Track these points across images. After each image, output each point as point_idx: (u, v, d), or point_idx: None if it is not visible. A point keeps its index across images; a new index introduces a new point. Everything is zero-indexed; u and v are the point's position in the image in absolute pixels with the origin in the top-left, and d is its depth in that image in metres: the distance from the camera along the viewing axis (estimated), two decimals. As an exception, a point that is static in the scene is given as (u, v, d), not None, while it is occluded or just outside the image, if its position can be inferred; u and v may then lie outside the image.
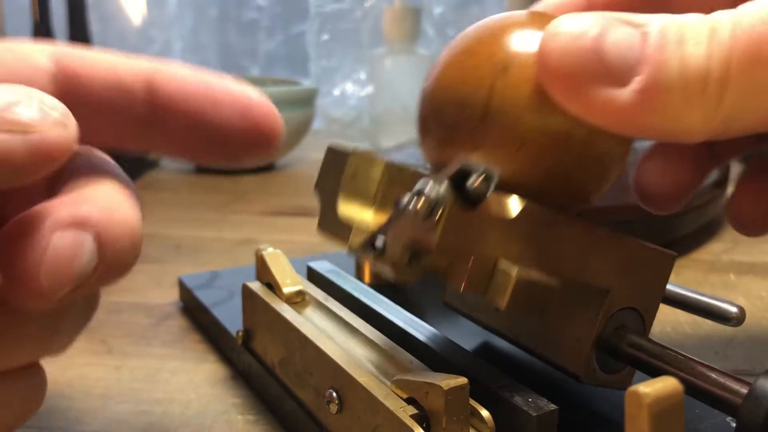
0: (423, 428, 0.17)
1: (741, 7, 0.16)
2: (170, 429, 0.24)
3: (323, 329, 0.23)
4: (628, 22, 0.17)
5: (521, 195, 0.19)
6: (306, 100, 0.64)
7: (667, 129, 0.16)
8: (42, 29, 0.69)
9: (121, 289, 0.36)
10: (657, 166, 0.24)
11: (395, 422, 0.18)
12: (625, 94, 0.16)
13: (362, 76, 0.84)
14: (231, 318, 0.29)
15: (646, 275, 0.21)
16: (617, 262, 0.20)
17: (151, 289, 0.37)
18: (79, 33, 0.73)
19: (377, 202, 0.20)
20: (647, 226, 0.39)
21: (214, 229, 0.48)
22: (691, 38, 0.16)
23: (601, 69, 0.16)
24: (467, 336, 0.27)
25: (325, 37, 0.82)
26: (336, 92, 0.84)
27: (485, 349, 0.26)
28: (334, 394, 0.20)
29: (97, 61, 0.20)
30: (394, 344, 0.21)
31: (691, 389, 0.19)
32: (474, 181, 0.17)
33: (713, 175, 0.44)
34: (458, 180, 0.17)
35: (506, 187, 0.19)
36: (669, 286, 0.24)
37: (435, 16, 0.81)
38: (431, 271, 0.18)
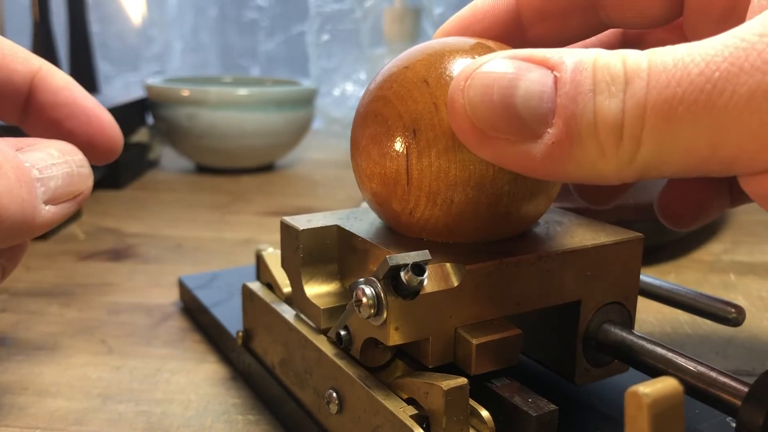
0: (423, 428, 0.17)
1: (658, 53, 0.15)
2: (170, 429, 0.24)
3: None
4: (543, 62, 0.16)
5: (467, 238, 0.20)
6: (306, 100, 0.64)
7: (580, 176, 0.16)
8: (42, 29, 0.69)
9: (121, 290, 0.36)
10: (679, 190, 0.25)
11: (395, 422, 0.18)
12: (539, 147, 0.16)
13: (362, 76, 0.84)
14: (231, 318, 0.29)
15: (616, 269, 0.21)
16: (581, 273, 0.21)
17: (151, 289, 0.37)
18: (79, 33, 0.73)
19: (339, 274, 0.22)
20: (647, 227, 0.39)
21: (214, 229, 0.48)
22: (605, 88, 0.15)
23: (512, 123, 0.16)
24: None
25: (325, 37, 0.82)
26: (336, 92, 0.84)
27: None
28: (334, 395, 0.20)
29: None
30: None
31: (692, 390, 0.19)
32: (404, 277, 0.17)
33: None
34: (392, 277, 0.18)
35: (452, 234, 0.20)
36: (668, 286, 0.24)
37: (435, 16, 0.81)
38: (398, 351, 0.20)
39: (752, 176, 0.15)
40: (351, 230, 0.21)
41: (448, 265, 0.19)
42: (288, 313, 0.23)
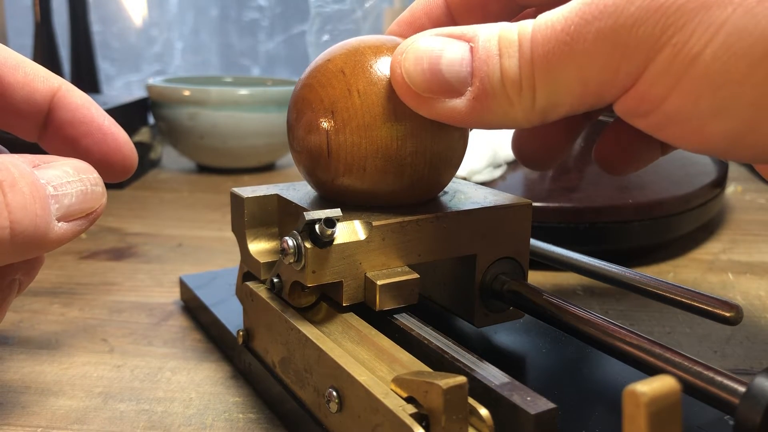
0: (422, 427, 0.17)
1: (540, 18, 0.19)
2: (171, 427, 0.24)
3: (323, 329, 0.23)
4: (461, 36, 0.20)
5: (381, 202, 0.24)
6: (306, 100, 0.64)
7: (499, 123, 0.20)
8: (43, 30, 0.69)
9: (123, 289, 0.37)
10: (612, 139, 0.28)
11: (395, 421, 0.18)
12: (462, 102, 0.20)
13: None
14: (231, 317, 0.29)
15: (509, 229, 0.25)
16: (476, 231, 0.24)
17: (152, 288, 0.37)
18: (80, 33, 0.73)
19: (279, 235, 0.26)
20: (646, 226, 0.39)
21: (215, 228, 0.48)
22: (505, 51, 0.19)
23: (440, 86, 0.20)
24: (466, 335, 0.27)
25: (325, 37, 0.82)
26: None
27: (485, 348, 0.26)
28: (334, 393, 0.20)
29: (18, 67, 0.24)
30: (393, 343, 0.21)
31: (689, 388, 0.19)
32: (319, 230, 0.21)
33: (712, 175, 0.44)
34: (309, 230, 0.21)
35: (368, 199, 0.24)
36: (668, 285, 0.24)
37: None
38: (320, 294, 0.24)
39: (618, 101, 0.19)
40: (288, 198, 0.25)
41: (358, 221, 0.22)
42: (288, 312, 0.24)
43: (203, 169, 0.66)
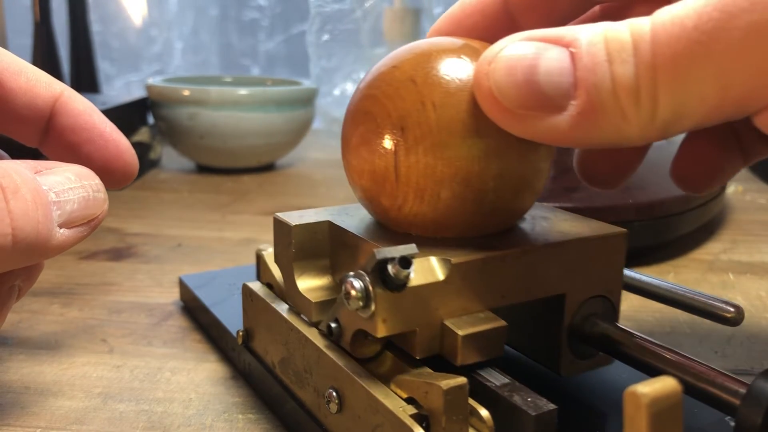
0: (423, 428, 0.17)
1: (658, 14, 0.16)
2: (171, 428, 0.24)
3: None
4: (558, 40, 0.17)
5: (454, 233, 0.21)
6: (306, 100, 0.64)
7: (608, 141, 0.17)
8: (43, 29, 0.69)
9: (122, 289, 0.37)
10: (691, 154, 0.25)
11: (395, 422, 0.18)
12: (564, 118, 0.17)
13: (362, 76, 0.83)
14: (231, 317, 0.29)
15: (600, 263, 0.22)
16: (565, 266, 0.21)
17: (151, 288, 0.37)
18: (80, 33, 0.73)
19: (330, 268, 0.23)
20: (647, 226, 0.39)
21: (215, 228, 0.48)
22: (617, 56, 0.16)
23: (538, 100, 0.17)
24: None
25: (325, 37, 0.82)
26: (336, 92, 0.84)
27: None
28: (334, 394, 0.20)
29: (21, 73, 0.24)
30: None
31: (690, 389, 0.19)
32: (392, 270, 0.17)
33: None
34: (380, 270, 0.18)
35: (439, 229, 0.20)
36: (668, 285, 0.24)
37: (435, 16, 0.81)
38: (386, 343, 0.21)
39: (765, 111, 0.16)
40: (342, 226, 0.22)
41: (434, 258, 0.19)
42: (288, 312, 0.23)
43: (203, 169, 0.66)
